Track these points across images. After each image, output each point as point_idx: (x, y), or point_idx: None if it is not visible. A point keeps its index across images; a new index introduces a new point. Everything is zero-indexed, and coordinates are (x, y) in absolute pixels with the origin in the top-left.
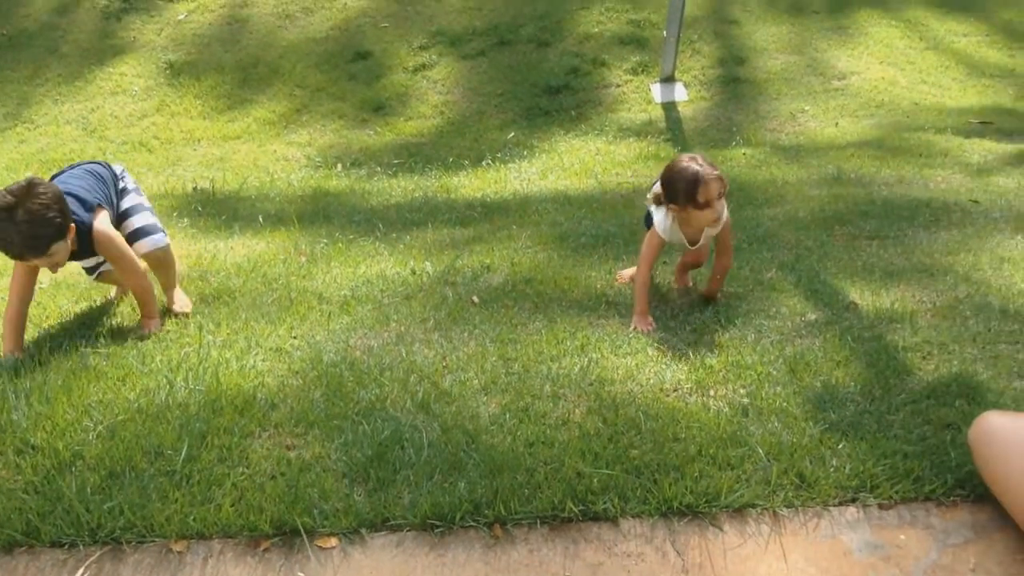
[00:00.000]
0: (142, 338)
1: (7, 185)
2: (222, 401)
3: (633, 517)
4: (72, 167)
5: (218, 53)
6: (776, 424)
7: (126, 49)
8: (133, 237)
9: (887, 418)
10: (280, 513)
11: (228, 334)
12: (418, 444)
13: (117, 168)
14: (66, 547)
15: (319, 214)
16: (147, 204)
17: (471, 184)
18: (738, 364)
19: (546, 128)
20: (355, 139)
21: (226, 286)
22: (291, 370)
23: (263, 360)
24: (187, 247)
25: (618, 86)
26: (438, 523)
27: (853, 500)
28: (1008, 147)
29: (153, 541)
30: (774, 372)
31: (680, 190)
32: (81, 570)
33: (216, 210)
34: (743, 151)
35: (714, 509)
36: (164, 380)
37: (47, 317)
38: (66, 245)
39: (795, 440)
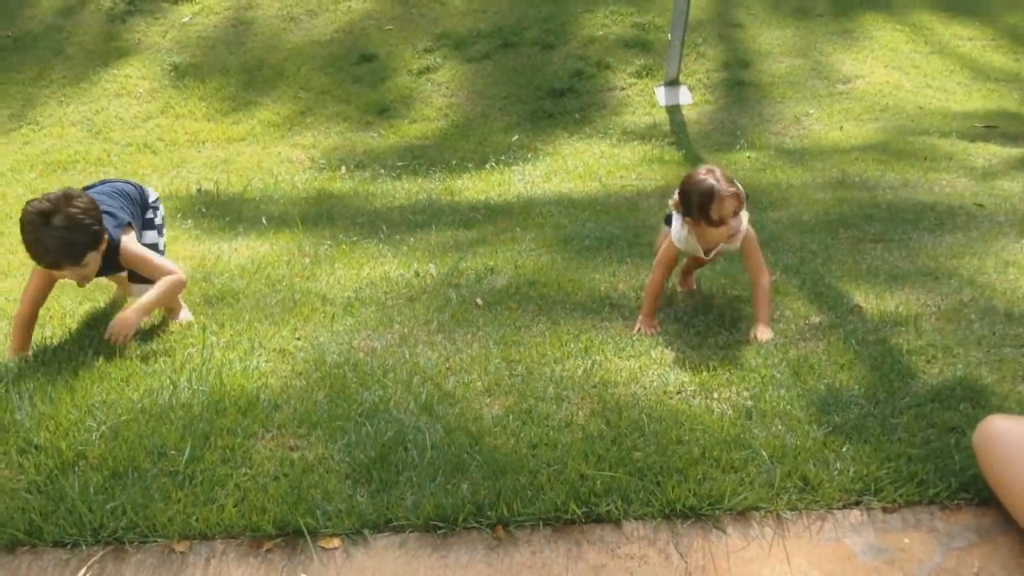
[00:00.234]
0: (146, 339)
1: (44, 193)
2: (225, 402)
3: (636, 519)
4: (102, 183)
5: (222, 55)
6: (780, 427)
7: (131, 51)
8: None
9: (891, 421)
10: (283, 514)
11: (232, 335)
12: (421, 445)
13: (151, 195)
14: (68, 547)
15: (323, 216)
16: (161, 246)
17: (475, 186)
18: (742, 367)
19: (550, 131)
20: (359, 141)
21: (230, 288)
22: (294, 371)
23: (266, 361)
24: (191, 249)
25: (622, 89)
26: (441, 524)
27: (857, 503)
28: (1013, 151)
29: (156, 541)
30: (778, 375)
31: (694, 204)
32: (83, 570)
33: (220, 212)
34: (747, 154)
35: (717, 512)
36: (168, 381)
37: (51, 317)
38: (97, 257)
39: (799, 443)
